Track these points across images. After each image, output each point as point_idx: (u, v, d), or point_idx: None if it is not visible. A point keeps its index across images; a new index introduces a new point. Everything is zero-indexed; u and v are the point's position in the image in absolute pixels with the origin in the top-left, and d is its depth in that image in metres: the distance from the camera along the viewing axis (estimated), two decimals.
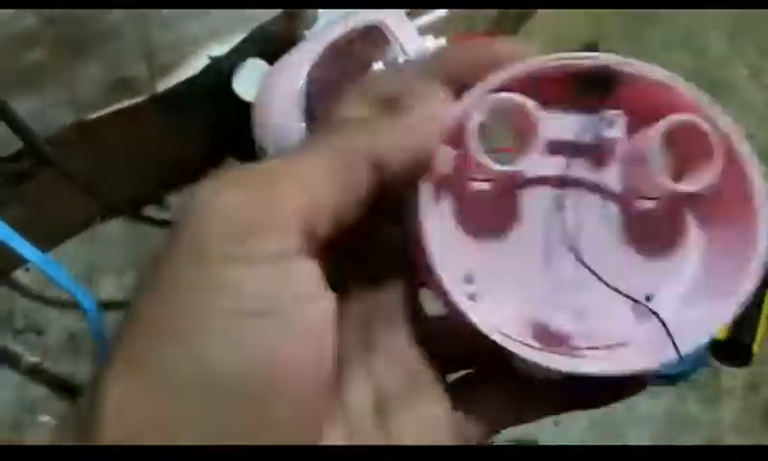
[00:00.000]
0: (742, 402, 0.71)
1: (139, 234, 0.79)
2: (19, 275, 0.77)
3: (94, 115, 0.68)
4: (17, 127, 0.59)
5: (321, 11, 0.78)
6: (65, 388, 0.72)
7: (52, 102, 0.65)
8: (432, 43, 0.65)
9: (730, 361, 0.72)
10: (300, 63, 0.64)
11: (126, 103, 0.69)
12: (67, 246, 0.78)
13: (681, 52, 0.90)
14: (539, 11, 0.91)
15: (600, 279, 0.29)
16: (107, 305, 0.73)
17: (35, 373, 0.73)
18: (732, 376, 0.72)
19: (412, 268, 0.31)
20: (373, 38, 0.65)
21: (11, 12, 0.58)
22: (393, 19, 0.65)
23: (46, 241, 0.74)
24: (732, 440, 0.70)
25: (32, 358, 0.73)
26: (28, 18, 0.59)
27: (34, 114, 0.62)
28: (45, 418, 0.71)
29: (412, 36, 0.63)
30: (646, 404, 0.71)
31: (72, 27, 0.62)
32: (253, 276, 0.25)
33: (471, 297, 0.30)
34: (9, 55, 0.60)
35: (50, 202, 0.73)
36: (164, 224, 0.73)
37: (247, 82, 0.68)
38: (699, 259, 0.31)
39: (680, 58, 0.90)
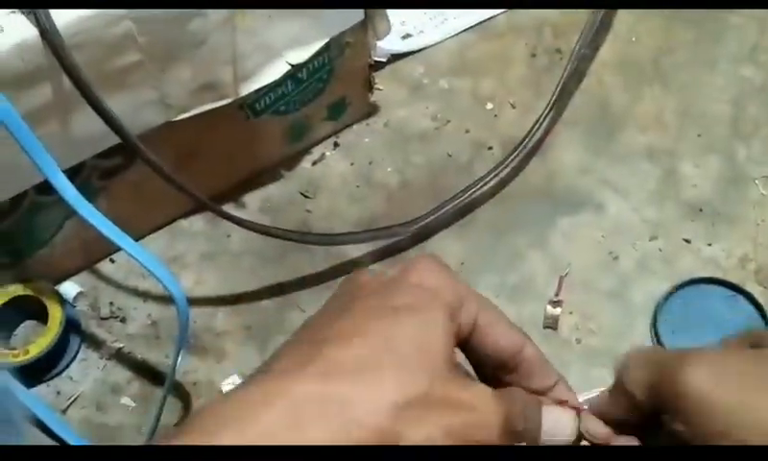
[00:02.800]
0: None
1: (218, 232, 0.83)
2: (104, 265, 0.82)
3: (181, 116, 0.72)
4: (113, 124, 0.63)
5: (392, 22, 0.81)
6: (146, 372, 0.76)
7: (142, 102, 0.69)
8: None
9: None
10: None
11: (211, 105, 0.73)
12: (148, 240, 0.83)
13: (748, 66, 0.91)
14: (615, 22, 0.94)
15: None
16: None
17: (118, 357, 0.77)
18: None
19: None
20: None
21: (109, 18, 0.62)
22: None
23: (130, 234, 0.78)
24: None
25: (115, 344, 0.78)
26: (125, 23, 0.63)
27: (125, 114, 0.66)
28: (126, 400, 0.75)
29: None
30: None
31: (164, 33, 0.66)
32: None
33: None
34: (105, 57, 0.64)
35: (135, 197, 0.77)
36: (241, 222, 0.76)
37: None
38: None
39: (747, 72, 0.91)
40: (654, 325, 0.76)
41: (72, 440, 0.72)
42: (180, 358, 0.68)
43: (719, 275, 0.78)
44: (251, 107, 0.78)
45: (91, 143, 0.69)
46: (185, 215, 0.84)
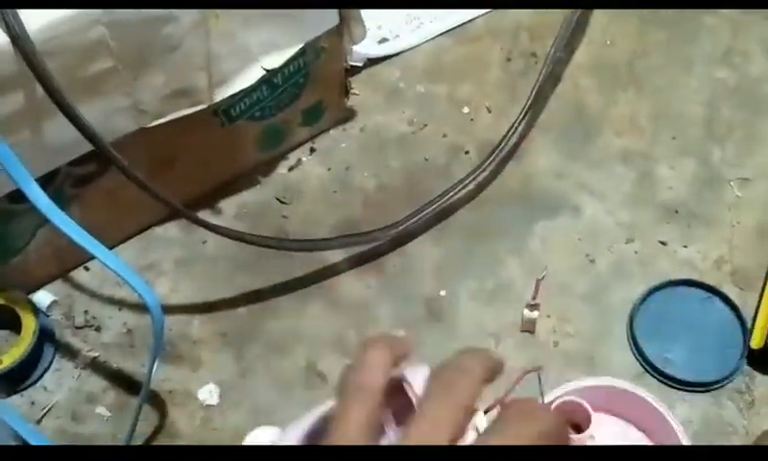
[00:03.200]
0: None
1: (193, 238, 0.82)
2: (78, 274, 0.81)
3: (155, 123, 0.71)
4: (86, 131, 0.63)
5: (368, 27, 0.81)
6: (122, 381, 0.75)
7: (115, 109, 0.69)
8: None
9: (765, 368, 0.74)
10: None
11: (185, 111, 0.72)
12: (122, 248, 0.82)
13: (722, 68, 0.92)
14: (589, 25, 0.94)
15: None
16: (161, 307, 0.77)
17: (93, 367, 0.76)
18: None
19: None
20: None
21: (82, 23, 0.61)
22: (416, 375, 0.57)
23: (105, 242, 0.78)
24: None
25: (90, 353, 0.77)
26: (98, 28, 0.62)
27: (98, 120, 0.65)
28: (102, 409, 0.74)
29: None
30: (681, 409, 0.72)
31: (137, 37, 0.65)
32: None
33: None
34: (78, 63, 0.64)
35: (109, 205, 0.76)
36: (216, 229, 0.75)
37: None
38: None
39: (721, 74, 0.91)
40: (630, 327, 0.76)
41: None
42: (155, 367, 0.67)
43: (695, 276, 0.79)
44: (225, 112, 0.78)
45: (64, 151, 0.69)
46: (160, 222, 0.83)
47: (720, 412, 0.73)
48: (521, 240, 0.82)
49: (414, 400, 0.55)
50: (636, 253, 0.81)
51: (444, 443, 0.41)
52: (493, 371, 0.46)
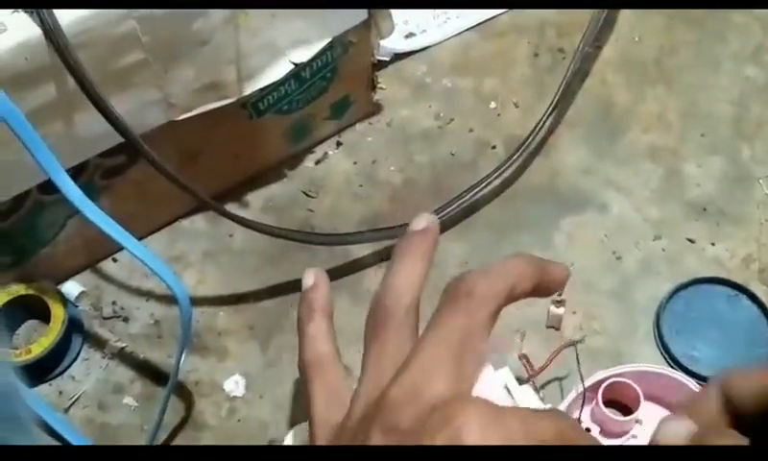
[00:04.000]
0: None
1: (220, 231, 0.83)
2: (106, 265, 0.82)
3: (184, 116, 0.72)
4: (116, 123, 0.63)
5: (396, 22, 0.81)
6: (149, 372, 0.76)
7: (146, 101, 0.69)
8: None
9: None
10: None
11: (214, 105, 0.73)
12: (150, 239, 0.82)
13: (752, 66, 0.91)
14: (618, 21, 0.93)
15: None
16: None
17: (120, 357, 0.77)
18: None
19: None
20: None
21: (113, 17, 0.62)
22: None
23: (133, 233, 0.78)
24: None
25: (118, 344, 0.77)
26: (129, 22, 0.63)
27: (129, 113, 0.66)
28: (129, 399, 0.75)
29: None
30: None
31: (167, 32, 0.66)
32: None
33: None
34: (109, 56, 0.64)
35: (138, 196, 0.77)
36: (244, 221, 0.76)
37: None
38: None
39: (750, 72, 0.91)
40: (657, 325, 0.76)
41: (74, 440, 0.71)
42: (183, 358, 0.68)
43: (723, 274, 0.78)
44: (254, 106, 0.78)
45: (94, 142, 0.69)
46: (187, 214, 0.83)
47: None
48: (547, 236, 0.82)
49: None
50: (663, 250, 0.80)
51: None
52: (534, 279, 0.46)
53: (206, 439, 0.73)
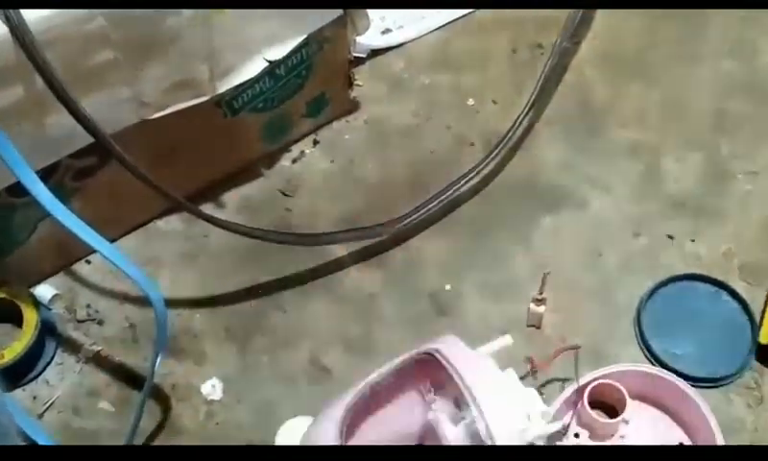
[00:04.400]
0: None
1: (195, 231, 0.81)
2: (80, 267, 0.80)
3: (157, 115, 0.70)
4: (86, 123, 0.62)
5: (371, 18, 0.80)
6: (124, 376, 0.75)
7: (117, 100, 0.68)
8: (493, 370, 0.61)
9: None
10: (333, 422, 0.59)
11: (187, 103, 0.71)
12: (124, 241, 0.81)
13: (731, 62, 0.91)
14: (596, 16, 0.93)
15: None
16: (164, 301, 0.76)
17: (95, 361, 0.76)
18: None
19: None
20: (426, 369, 0.61)
21: (81, 15, 0.61)
22: (450, 347, 0.60)
23: (105, 235, 0.77)
24: None
25: (92, 347, 0.76)
26: (98, 20, 0.61)
27: (100, 112, 0.64)
28: (105, 404, 0.74)
29: (468, 361, 0.59)
30: None
31: (139, 30, 0.64)
32: None
33: None
34: (78, 55, 0.63)
35: (111, 197, 0.75)
36: (219, 222, 0.75)
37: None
38: None
39: (730, 67, 0.90)
40: (638, 323, 0.76)
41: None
42: (158, 361, 0.67)
43: (703, 271, 0.78)
44: (228, 104, 0.77)
45: (65, 143, 0.68)
46: (162, 215, 0.82)
47: (728, 408, 0.72)
48: (527, 234, 0.81)
49: (449, 370, 0.57)
50: (642, 246, 0.80)
51: None
52: None
53: (184, 443, 0.72)
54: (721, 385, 0.73)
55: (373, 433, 0.61)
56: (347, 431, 0.58)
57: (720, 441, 0.66)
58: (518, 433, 0.56)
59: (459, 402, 0.58)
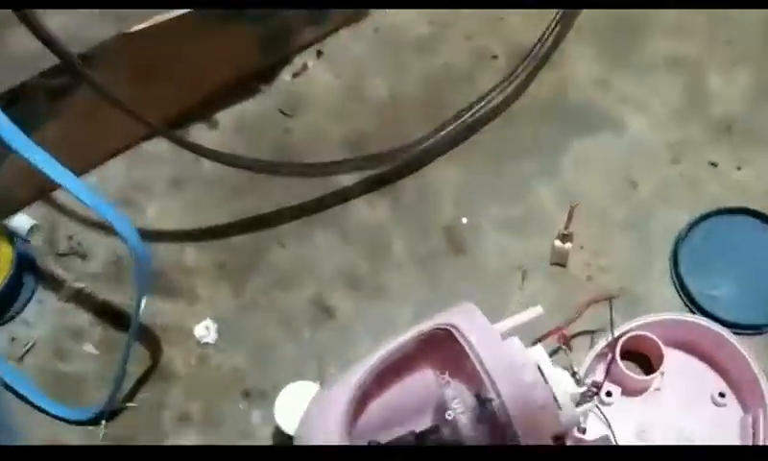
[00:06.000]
0: None
1: (186, 155, 0.74)
2: (60, 194, 0.73)
3: (137, 28, 0.63)
4: (46, 39, 0.54)
5: None
6: (110, 316, 0.69)
7: (92, 14, 0.60)
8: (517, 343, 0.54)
9: None
10: (343, 394, 0.54)
11: (171, 14, 0.64)
12: (109, 166, 0.74)
13: None
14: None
15: None
16: (150, 233, 0.70)
17: (78, 299, 0.70)
18: None
19: None
20: (442, 343, 0.55)
21: None
22: (466, 322, 0.54)
23: (86, 161, 0.70)
24: None
25: (75, 284, 0.70)
26: None
27: (72, 28, 0.57)
28: (88, 347, 0.68)
29: (488, 341, 0.53)
30: None
31: None
32: None
33: None
34: None
35: (89, 120, 0.68)
36: (206, 152, 0.67)
37: (288, 413, 0.59)
38: None
39: None
40: (674, 260, 0.69)
41: (31, 394, 0.65)
42: (143, 302, 0.60)
43: (748, 204, 0.70)
44: (219, 12, 0.69)
45: (30, 61, 0.61)
46: (149, 137, 0.75)
47: None
48: (554, 161, 0.73)
49: (465, 346, 0.50)
50: (682, 175, 0.72)
51: None
52: None
53: (176, 390, 0.66)
54: (766, 332, 0.66)
55: (385, 412, 0.55)
56: (354, 410, 0.52)
57: (765, 388, 0.60)
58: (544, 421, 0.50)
59: (477, 386, 0.52)
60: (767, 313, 0.67)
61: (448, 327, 0.53)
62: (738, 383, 0.63)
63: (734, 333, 0.65)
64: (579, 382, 0.55)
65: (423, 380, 0.55)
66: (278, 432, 0.59)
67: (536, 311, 0.57)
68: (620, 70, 0.77)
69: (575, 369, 0.56)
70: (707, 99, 0.75)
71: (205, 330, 0.68)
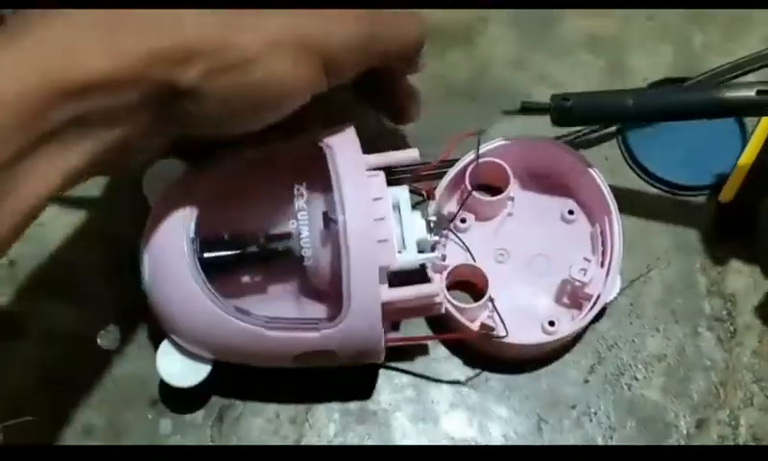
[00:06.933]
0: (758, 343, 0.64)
1: None
2: None
3: None
4: None
5: None
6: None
7: None
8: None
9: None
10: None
11: None
12: None
13: None
14: None
15: None
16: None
17: None
18: (751, 313, 0.65)
19: None
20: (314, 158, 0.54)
21: None
22: (339, 143, 0.54)
23: None
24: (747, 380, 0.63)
25: None
26: None
27: None
28: None
29: (353, 167, 0.52)
30: (652, 341, 0.64)
31: None
32: None
33: None
34: None
35: None
36: None
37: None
38: None
39: None
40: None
41: None
42: None
43: None
44: None
45: None
46: None
47: (698, 343, 0.64)
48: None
49: (330, 167, 0.52)
50: (606, 159, 0.70)
51: None
52: None
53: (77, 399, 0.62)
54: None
55: (242, 213, 0.58)
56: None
57: (614, 209, 0.62)
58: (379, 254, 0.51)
59: (328, 206, 0.53)
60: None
61: (322, 145, 0.53)
62: (587, 201, 0.65)
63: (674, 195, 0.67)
64: (433, 231, 0.56)
65: (283, 189, 0.56)
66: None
67: (410, 153, 0.57)
68: (538, 49, 0.74)
69: (432, 218, 0.56)
70: (630, 76, 0.73)
71: (108, 335, 0.64)
